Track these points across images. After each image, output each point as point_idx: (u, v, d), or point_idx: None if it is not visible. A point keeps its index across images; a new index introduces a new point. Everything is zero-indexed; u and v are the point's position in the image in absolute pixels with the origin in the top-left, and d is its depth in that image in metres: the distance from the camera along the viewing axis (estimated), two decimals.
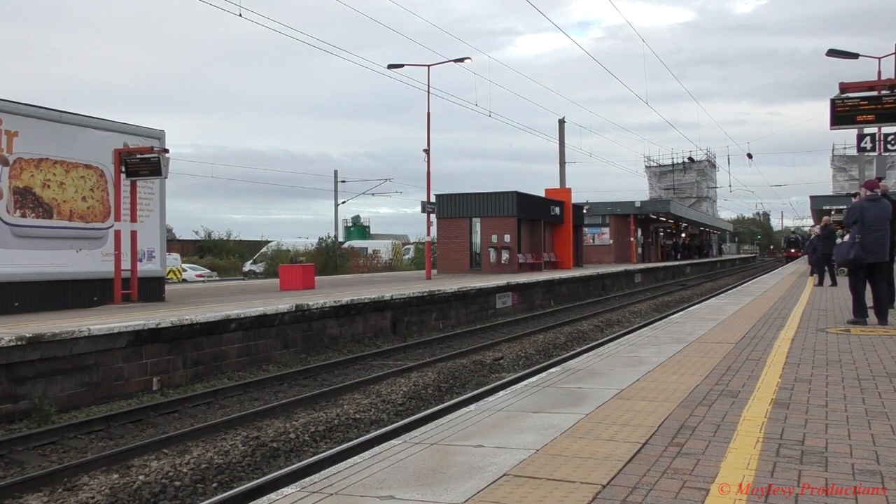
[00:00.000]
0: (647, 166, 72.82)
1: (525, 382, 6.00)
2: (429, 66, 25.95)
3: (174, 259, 37.21)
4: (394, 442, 4.19)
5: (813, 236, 23.17)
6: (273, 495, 3.32)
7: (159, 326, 10.39)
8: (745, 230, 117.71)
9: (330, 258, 41.95)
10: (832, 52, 21.33)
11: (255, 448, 7.60)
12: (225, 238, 59.43)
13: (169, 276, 29.04)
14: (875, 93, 10.26)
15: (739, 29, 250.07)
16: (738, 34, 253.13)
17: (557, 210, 33.95)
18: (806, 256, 48.34)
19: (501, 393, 5.58)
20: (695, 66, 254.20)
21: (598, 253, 43.74)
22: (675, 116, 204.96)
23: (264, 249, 49.75)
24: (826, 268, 19.26)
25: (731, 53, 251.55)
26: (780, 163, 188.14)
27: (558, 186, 39.44)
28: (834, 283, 18.34)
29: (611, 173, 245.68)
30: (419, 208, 27.26)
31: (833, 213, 32.86)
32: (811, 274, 22.95)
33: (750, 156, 56.97)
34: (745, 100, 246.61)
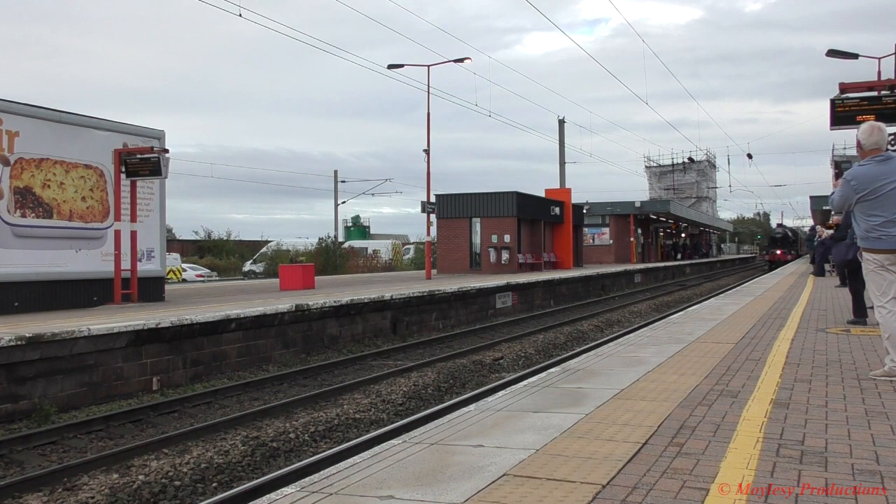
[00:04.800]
0: (646, 166, 72.78)
1: (525, 382, 6.00)
2: (429, 66, 25.95)
3: (174, 259, 37.22)
4: (394, 442, 4.19)
5: (820, 236, 23.02)
6: (273, 495, 3.32)
7: (159, 326, 10.39)
8: (745, 230, 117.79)
9: (330, 258, 41.96)
10: (832, 53, 21.30)
11: (255, 448, 7.60)
12: (225, 238, 59.47)
13: (169, 276, 29.05)
14: (875, 93, 10.26)
15: (754, 26, 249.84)
16: (752, 31, 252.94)
17: (557, 210, 33.96)
18: (795, 259, 45.35)
19: (501, 393, 5.58)
20: (709, 63, 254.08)
21: (598, 253, 43.74)
22: (684, 115, 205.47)
23: (264, 249, 49.76)
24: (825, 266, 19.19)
25: (746, 51, 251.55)
26: (786, 162, 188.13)
27: (559, 186, 39.46)
28: (841, 283, 18.22)
29: (612, 173, 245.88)
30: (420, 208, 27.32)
31: (833, 213, 32.75)
32: (817, 274, 22.88)
33: (750, 156, 56.98)
34: (758, 98, 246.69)
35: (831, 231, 19.15)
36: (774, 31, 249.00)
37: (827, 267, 22.84)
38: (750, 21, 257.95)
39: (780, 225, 64.48)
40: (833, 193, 6.07)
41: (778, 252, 52.23)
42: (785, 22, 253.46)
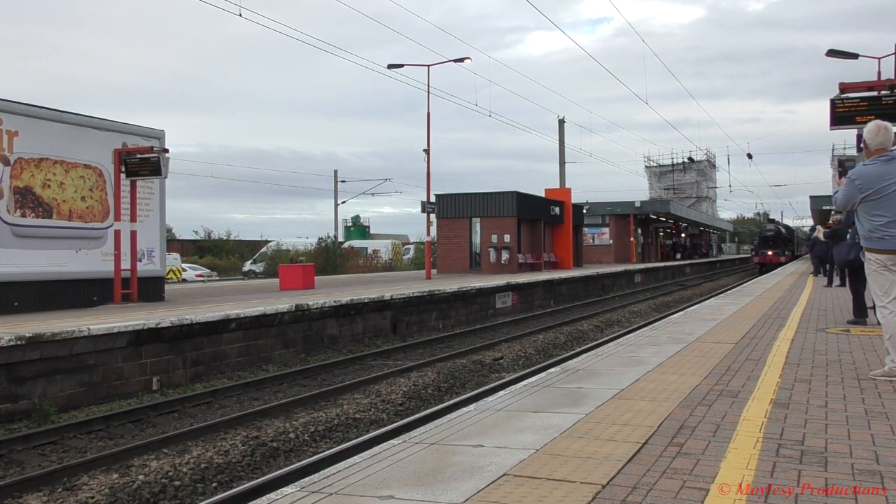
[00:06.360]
0: (646, 166, 72.80)
1: (525, 382, 6.00)
2: (428, 66, 25.94)
3: (174, 259, 37.19)
4: (393, 442, 4.19)
5: (816, 235, 23.01)
6: (273, 495, 3.32)
7: (159, 326, 10.39)
8: (745, 230, 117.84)
9: (330, 258, 41.93)
10: (832, 53, 21.31)
11: (255, 448, 7.60)
12: (225, 238, 59.47)
13: (169, 276, 29.04)
14: (875, 93, 10.25)
15: (758, 25, 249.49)
16: (756, 31, 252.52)
17: (557, 210, 33.96)
18: (792, 261, 43.47)
19: (501, 393, 5.58)
20: (712, 63, 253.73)
21: (598, 253, 43.76)
22: (687, 115, 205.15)
23: (264, 249, 49.74)
24: (826, 267, 19.25)
25: (749, 50, 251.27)
26: (787, 162, 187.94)
27: (559, 186, 39.48)
28: (841, 283, 18.26)
29: (612, 173, 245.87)
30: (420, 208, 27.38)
31: (834, 213, 32.71)
32: (817, 273, 22.88)
33: (750, 156, 56.96)
34: (761, 97, 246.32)
35: (827, 230, 19.21)
36: (778, 31, 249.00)
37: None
38: (753, 20, 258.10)
39: (771, 221, 57.72)
40: (837, 192, 6.06)
41: (769, 253, 45.14)
42: (788, 21, 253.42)
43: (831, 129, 10.17)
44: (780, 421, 4.35)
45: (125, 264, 14.20)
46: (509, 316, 20.39)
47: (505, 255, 29.28)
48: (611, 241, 44.91)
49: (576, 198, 37.26)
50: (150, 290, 15.01)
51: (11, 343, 8.54)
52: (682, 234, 61.04)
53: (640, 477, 3.32)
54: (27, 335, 8.72)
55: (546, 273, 28.51)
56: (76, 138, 13.78)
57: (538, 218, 32.25)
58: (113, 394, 9.76)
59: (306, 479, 3.53)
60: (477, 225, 29.90)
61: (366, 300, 14.89)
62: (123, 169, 14.27)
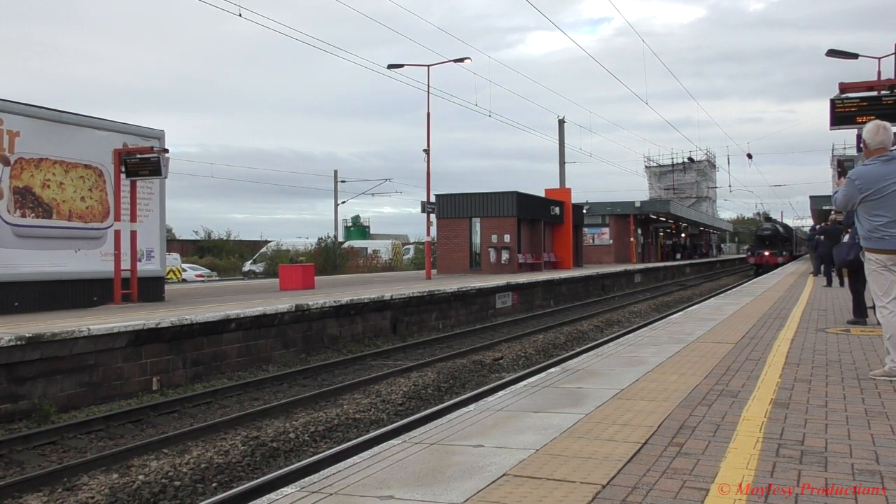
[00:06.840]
0: (646, 166, 72.76)
1: (525, 382, 6.00)
2: (428, 66, 25.94)
3: (174, 259, 37.20)
4: (393, 442, 4.19)
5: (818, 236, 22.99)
6: (273, 495, 3.32)
7: (159, 326, 10.39)
8: (745, 230, 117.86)
9: (329, 258, 41.93)
10: (832, 53, 21.30)
11: (255, 448, 7.60)
12: (225, 238, 59.50)
13: (169, 276, 29.03)
14: (875, 93, 10.27)
15: (759, 25, 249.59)
16: (757, 30, 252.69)
17: (557, 210, 33.97)
18: (790, 262, 42.61)
19: (501, 393, 5.57)
20: (713, 63, 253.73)
21: (598, 253, 43.76)
22: (688, 115, 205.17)
23: (264, 249, 49.73)
24: (825, 267, 19.27)
25: (751, 50, 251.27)
26: (787, 162, 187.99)
27: (559, 186, 39.49)
28: (841, 284, 18.25)
29: (612, 173, 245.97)
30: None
31: (833, 213, 32.68)
32: (817, 273, 22.89)
33: (749, 156, 56.93)
34: (762, 97, 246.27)
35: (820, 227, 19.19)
36: (779, 31, 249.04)
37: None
38: (754, 20, 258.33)
39: (768, 219, 54.54)
40: (836, 192, 6.05)
41: (766, 253, 42.54)
42: (789, 21, 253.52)
43: (831, 129, 10.18)
44: (780, 421, 4.35)
45: (125, 264, 14.20)
46: (509, 316, 20.39)
47: (505, 255, 29.28)
48: (611, 242, 44.91)
49: (576, 198, 37.30)
50: (150, 290, 15.01)
51: (11, 343, 8.54)
52: (682, 234, 61.06)
53: (640, 477, 3.32)
54: (27, 335, 8.72)
55: (546, 273, 28.51)
56: (76, 138, 13.78)
57: (538, 218, 32.25)
58: (113, 394, 9.76)
59: (306, 479, 3.53)
60: (477, 225, 29.90)
61: (366, 300, 14.89)
62: (123, 169, 14.27)
